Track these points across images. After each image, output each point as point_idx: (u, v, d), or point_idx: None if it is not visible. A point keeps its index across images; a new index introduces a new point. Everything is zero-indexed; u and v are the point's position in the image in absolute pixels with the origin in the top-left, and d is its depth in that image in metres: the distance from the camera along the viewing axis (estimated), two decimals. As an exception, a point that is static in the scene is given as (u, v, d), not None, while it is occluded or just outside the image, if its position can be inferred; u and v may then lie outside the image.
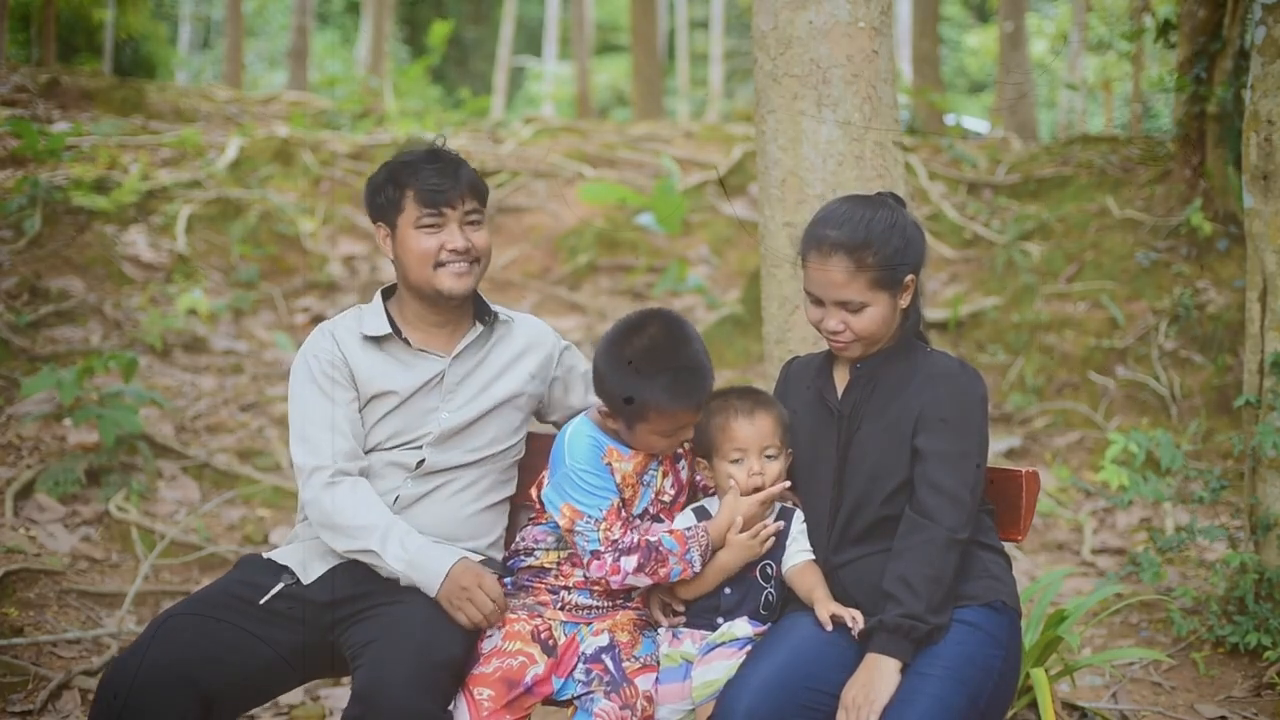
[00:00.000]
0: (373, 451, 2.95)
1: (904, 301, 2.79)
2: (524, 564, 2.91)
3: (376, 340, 2.97)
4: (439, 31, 14.03)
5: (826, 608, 2.70)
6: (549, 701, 2.82)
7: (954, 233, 8.87)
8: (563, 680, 2.79)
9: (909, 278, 2.77)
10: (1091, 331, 7.35)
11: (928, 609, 2.60)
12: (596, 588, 2.82)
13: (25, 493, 5.28)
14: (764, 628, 2.79)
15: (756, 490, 2.79)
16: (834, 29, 3.65)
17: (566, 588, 2.86)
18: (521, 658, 2.75)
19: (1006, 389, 7.20)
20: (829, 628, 2.68)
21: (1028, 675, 3.56)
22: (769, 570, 2.82)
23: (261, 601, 2.83)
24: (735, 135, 11.52)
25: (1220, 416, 6.53)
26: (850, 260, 2.70)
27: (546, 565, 2.88)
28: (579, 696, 2.76)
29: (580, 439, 2.80)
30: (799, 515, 2.86)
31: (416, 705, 2.59)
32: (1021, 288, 7.86)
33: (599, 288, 9.19)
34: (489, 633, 2.82)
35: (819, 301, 2.77)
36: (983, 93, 26.67)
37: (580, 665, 2.79)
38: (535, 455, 3.10)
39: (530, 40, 29.03)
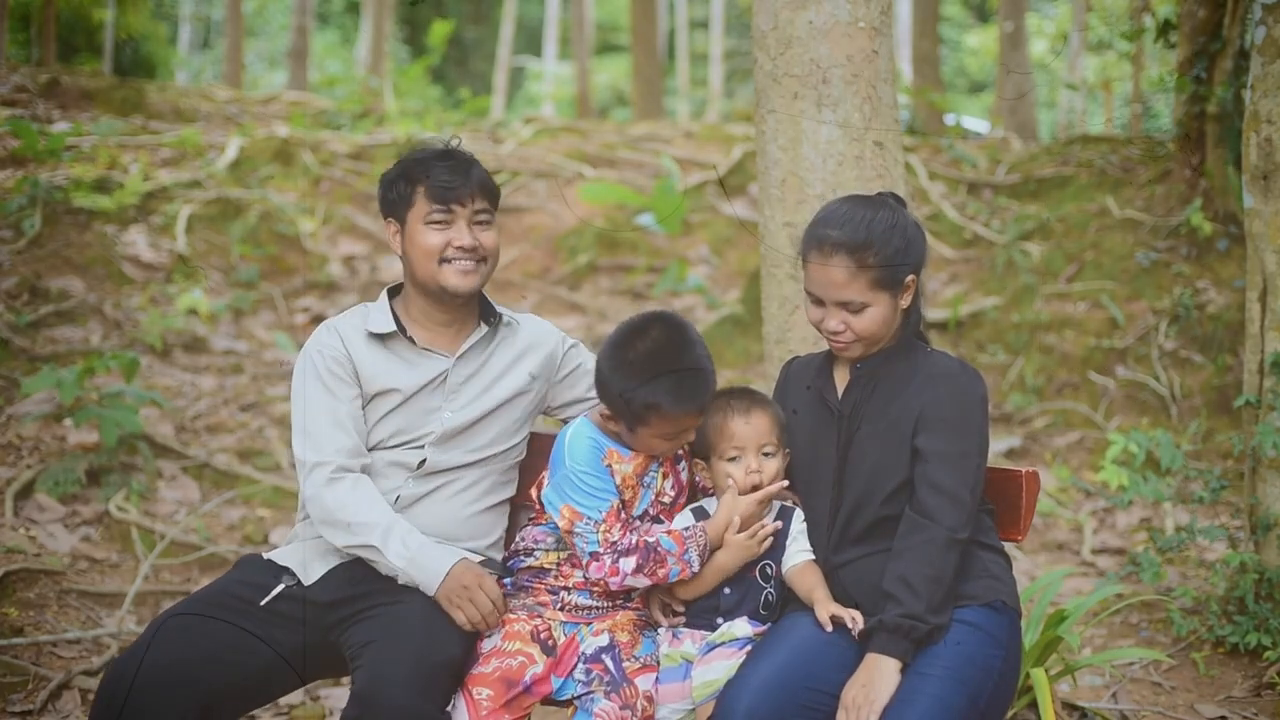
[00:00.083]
0: (374, 450, 2.95)
1: (905, 302, 2.79)
2: (524, 564, 2.91)
3: (381, 338, 2.98)
4: (439, 31, 14.04)
5: (826, 608, 2.70)
6: (549, 701, 2.82)
7: (954, 233, 8.87)
8: (562, 680, 2.79)
9: (910, 278, 2.77)
10: (1091, 331, 7.35)
11: (928, 609, 2.60)
12: (596, 588, 2.82)
13: (25, 493, 5.28)
14: (764, 628, 2.79)
15: (754, 489, 2.79)
16: (834, 29, 3.65)
17: (566, 588, 2.86)
18: (521, 658, 2.75)
19: (1006, 389, 7.20)
20: (829, 628, 2.68)
21: (1028, 675, 3.56)
22: (768, 570, 2.82)
23: (262, 603, 2.83)
24: (735, 135, 11.53)
25: (1220, 416, 6.53)
26: (851, 260, 2.70)
27: (546, 566, 2.88)
28: (579, 696, 2.76)
29: (580, 440, 2.80)
30: (798, 514, 2.86)
31: (415, 706, 2.59)
32: (1021, 288, 7.86)
33: (599, 288, 9.19)
34: (488, 633, 2.82)
35: (820, 302, 2.77)
36: (983, 93, 26.67)
37: (580, 665, 2.79)
38: (535, 455, 3.10)
39: (530, 40, 29.03)
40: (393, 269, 9.06)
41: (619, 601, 2.88)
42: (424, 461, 2.94)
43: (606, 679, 2.74)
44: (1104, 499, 5.13)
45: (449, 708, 2.69)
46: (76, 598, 4.67)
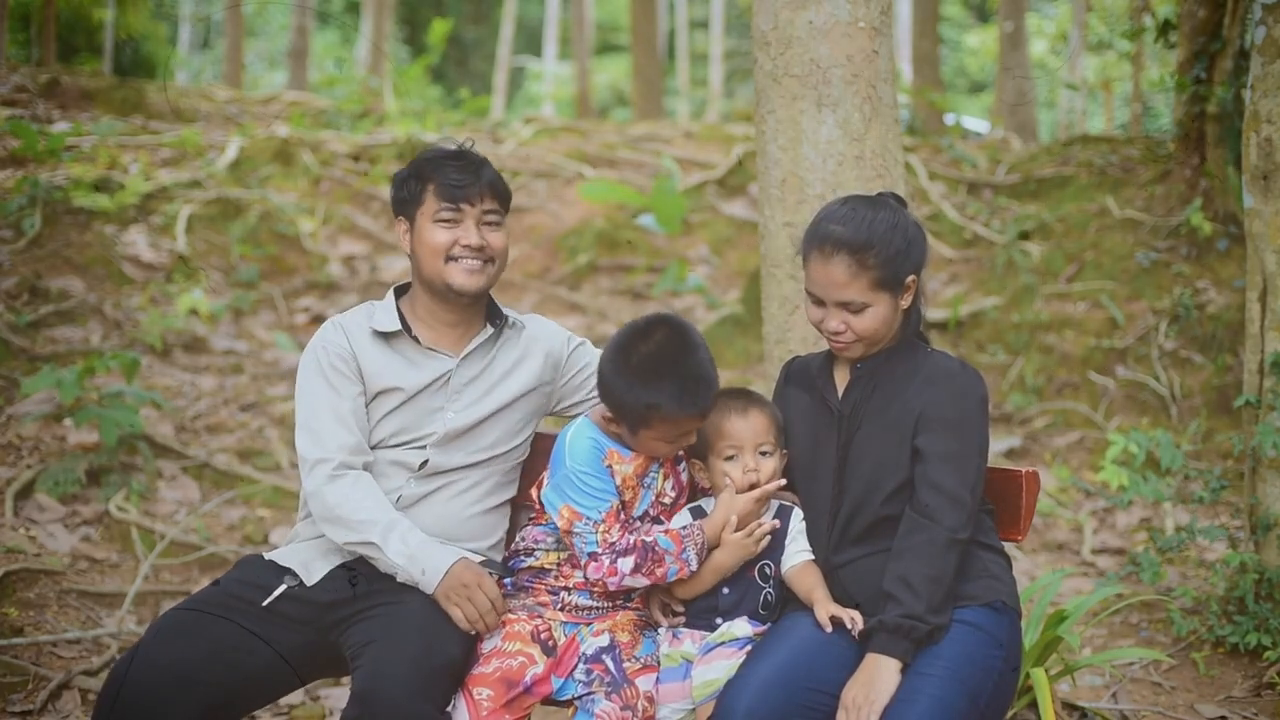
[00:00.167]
0: (376, 448, 2.95)
1: (905, 302, 2.79)
2: (524, 564, 2.91)
3: (386, 336, 2.98)
4: (438, 30, 14.03)
5: (826, 609, 2.71)
6: (549, 701, 2.82)
7: (954, 233, 8.87)
8: (563, 680, 2.79)
9: (910, 278, 2.77)
10: (1091, 331, 7.35)
11: (928, 609, 2.60)
12: (596, 589, 2.82)
13: (25, 493, 5.28)
14: (764, 627, 2.79)
15: (752, 488, 2.79)
16: (834, 29, 3.65)
17: (566, 588, 2.86)
18: (521, 658, 2.75)
19: (1006, 389, 7.20)
20: (828, 629, 2.68)
21: (1028, 675, 3.56)
22: (767, 570, 2.82)
23: (265, 604, 2.83)
24: (735, 135, 11.53)
25: (1220, 416, 6.53)
26: (852, 261, 2.70)
27: (546, 566, 2.88)
28: (579, 697, 2.76)
29: (581, 440, 2.80)
30: (797, 514, 2.86)
31: (415, 706, 2.59)
32: (1021, 288, 7.86)
33: (599, 288, 9.19)
34: (488, 635, 2.82)
35: (820, 302, 2.77)
36: (983, 93, 26.67)
37: (581, 665, 2.79)
38: (536, 455, 3.10)
39: (530, 40, 29.03)
40: (393, 269, 9.06)
41: (619, 602, 2.88)
42: (426, 462, 2.94)
43: (607, 679, 2.74)
44: (1104, 499, 5.13)
45: (449, 708, 2.69)
46: (76, 598, 4.67)
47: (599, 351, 3.02)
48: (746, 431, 2.79)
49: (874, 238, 2.71)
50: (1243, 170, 4.29)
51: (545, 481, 2.86)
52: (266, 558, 2.96)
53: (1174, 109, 8.40)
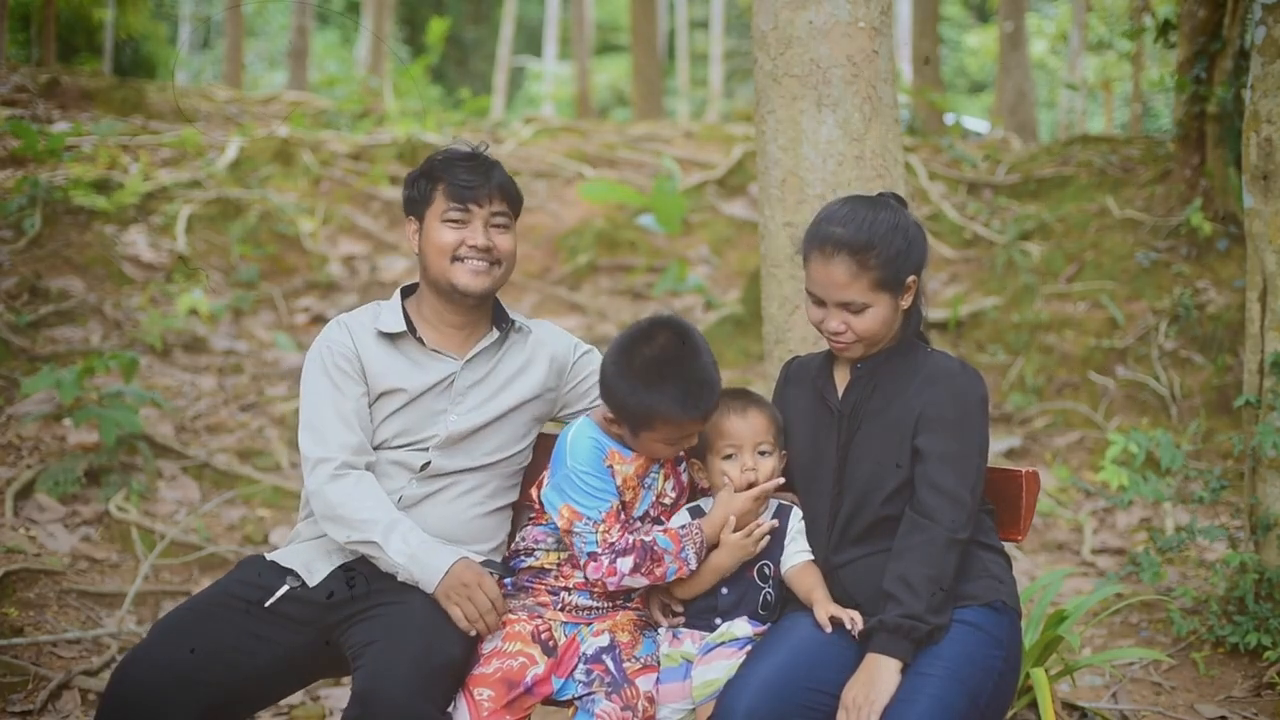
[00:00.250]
0: (379, 449, 2.95)
1: (905, 302, 2.79)
2: (524, 564, 2.91)
3: (391, 337, 2.98)
4: (436, 29, 14.02)
5: (825, 609, 2.71)
6: (549, 702, 2.82)
7: (954, 233, 8.87)
8: (563, 681, 2.79)
9: (911, 278, 2.77)
10: (1091, 331, 7.35)
11: (928, 609, 2.60)
12: (596, 589, 2.82)
13: (25, 493, 5.28)
14: (764, 628, 2.79)
15: (750, 487, 2.79)
16: (834, 29, 3.65)
17: (567, 588, 2.86)
18: (522, 658, 2.75)
19: (1006, 389, 7.20)
20: (828, 629, 2.68)
21: (1028, 675, 3.56)
22: (767, 570, 2.82)
23: (267, 605, 2.83)
24: (735, 135, 11.53)
25: (1220, 416, 6.53)
26: (853, 261, 2.70)
27: (547, 566, 2.88)
28: (580, 697, 2.76)
29: (582, 440, 2.80)
30: (796, 513, 2.86)
31: (415, 707, 2.59)
32: (1021, 288, 7.86)
33: (599, 288, 9.19)
34: (488, 636, 2.82)
35: (820, 302, 2.77)
36: (983, 93, 26.68)
37: (581, 666, 2.79)
38: (536, 456, 3.10)
39: (530, 40, 29.04)
40: (393, 269, 9.06)
41: (619, 602, 2.88)
42: (428, 464, 2.94)
43: (607, 679, 2.74)
44: (1104, 499, 5.13)
45: (450, 709, 2.69)
46: (76, 598, 4.67)
47: None
48: (745, 431, 2.79)
49: (875, 238, 2.71)
50: (1243, 170, 4.29)
51: (545, 481, 2.86)
52: (268, 558, 2.96)
53: (1174, 109, 8.41)
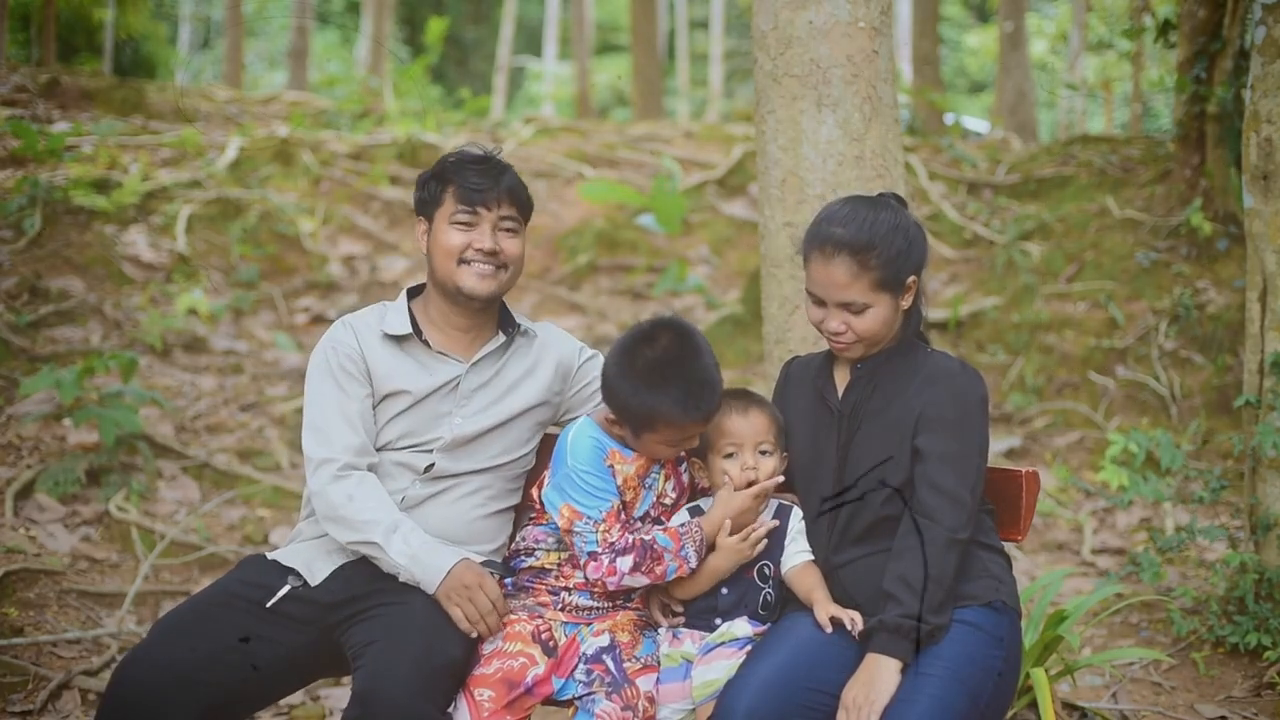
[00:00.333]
0: (383, 450, 2.95)
1: (906, 302, 2.79)
2: (524, 564, 2.91)
3: (396, 339, 2.98)
4: (435, 29, 14.02)
5: (825, 609, 2.71)
6: (549, 702, 2.82)
7: (954, 233, 8.87)
8: (563, 681, 2.79)
9: (911, 279, 2.77)
10: (1091, 331, 7.35)
11: (928, 609, 2.60)
12: (596, 589, 2.82)
13: (25, 493, 5.28)
14: (764, 628, 2.79)
15: (750, 485, 2.78)
16: (834, 29, 3.65)
17: (567, 589, 2.86)
18: (522, 659, 2.75)
19: (1006, 389, 7.20)
20: (828, 629, 2.68)
21: (1028, 675, 3.56)
22: (767, 570, 2.82)
23: (269, 604, 2.83)
24: (735, 135, 11.53)
25: (1220, 416, 6.53)
26: (854, 261, 2.70)
27: (547, 566, 2.88)
28: (580, 697, 2.76)
29: (583, 440, 2.80)
30: (796, 513, 2.86)
31: (416, 708, 2.59)
32: (1021, 288, 7.86)
33: (599, 288, 9.19)
34: (489, 638, 2.82)
35: (821, 302, 2.77)
36: (983, 93, 26.68)
37: (581, 666, 2.79)
38: (538, 457, 3.10)
39: (530, 40, 29.03)
40: (393, 269, 9.06)
41: (619, 602, 2.88)
42: (432, 465, 2.94)
43: (608, 679, 2.74)
44: (1104, 499, 5.13)
45: (450, 709, 2.69)
46: (76, 598, 4.67)
47: None
48: (747, 430, 2.79)
49: (875, 239, 2.71)
50: (1243, 170, 4.29)
51: (546, 480, 2.86)
52: (269, 558, 2.96)
53: (1174, 109, 8.41)
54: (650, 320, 2.79)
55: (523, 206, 3.00)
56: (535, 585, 2.89)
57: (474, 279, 2.94)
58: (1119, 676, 4.32)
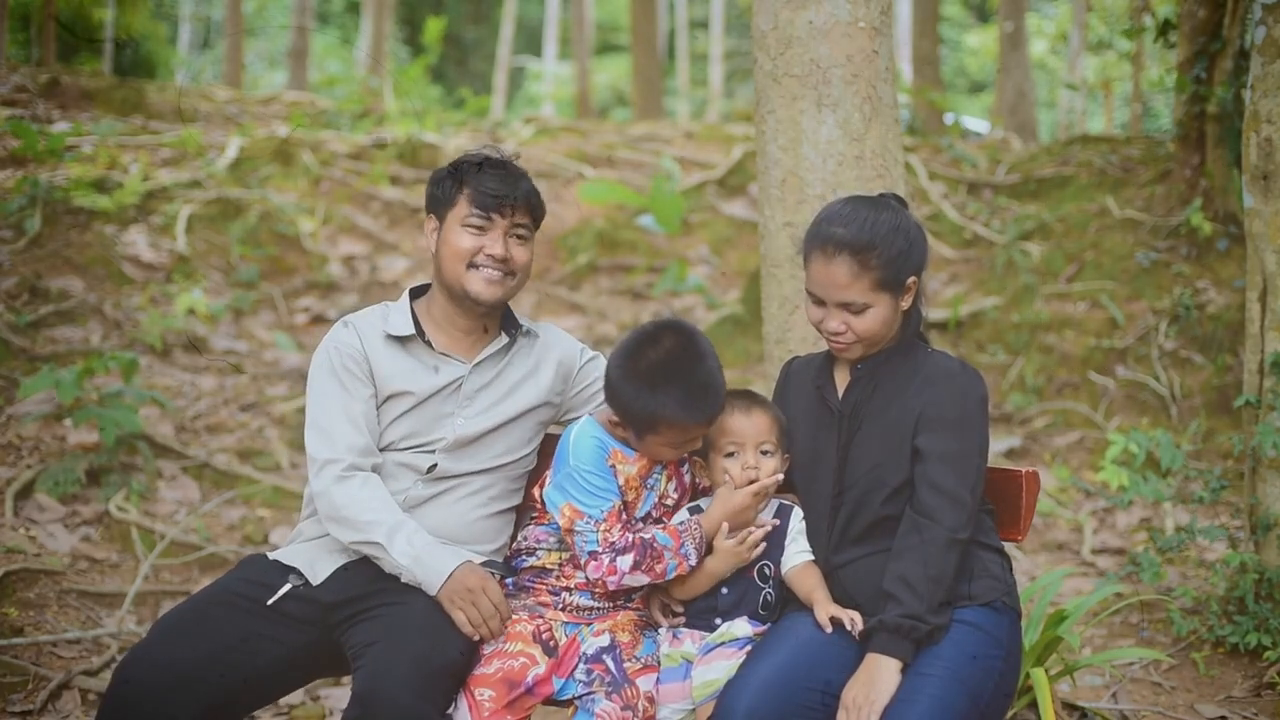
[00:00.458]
0: (385, 451, 2.95)
1: (905, 303, 2.79)
2: (525, 564, 2.91)
3: (399, 340, 2.98)
4: (433, 29, 14.03)
5: (825, 609, 2.71)
6: (549, 701, 2.82)
7: (954, 233, 8.87)
8: (563, 681, 2.79)
9: (911, 279, 2.77)
10: (1091, 331, 7.35)
11: (928, 609, 2.60)
12: (597, 588, 2.82)
13: (25, 493, 5.28)
14: (764, 628, 2.79)
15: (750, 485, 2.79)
16: (834, 29, 3.65)
17: (568, 588, 2.86)
18: (523, 658, 2.75)
19: (1006, 389, 7.20)
20: (828, 630, 2.68)
21: (1028, 675, 3.56)
22: (767, 570, 2.82)
23: (269, 603, 2.83)
24: (735, 135, 11.53)
25: (1220, 416, 6.53)
26: (854, 261, 2.70)
27: (548, 566, 2.88)
28: (580, 697, 2.76)
29: (585, 440, 2.80)
30: (797, 513, 2.85)
31: (415, 707, 2.59)
32: (1021, 288, 7.86)
33: (599, 288, 9.19)
34: (491, 642, 2.82)
35: (820, 302, 2.77)
36: (983, 93, 26.68)
37: (581, 665, 2.79)
38: (542, 456, 3.11)
39: (530, 40, 29.03)
40: (393, 269, 9.06)
41: (620, 602, 2.88)
42: (434, 466, 2.94)
43: (608, 679, 2.74)
44: (1104, 499, 5.13)
45: (450, 710, 2.69)
46: (76, 598, 4.67)
47: None
48: (749, 429, 2.79)
49: (876, 239, 2.71)
50: (1243, 170, 4.29)
51: (547, 479, 2.87)
52: (270, 557, 2.96)
53: (1174, 109, 8.41)
54: (653, 322, 2.80)
55: (535, 215, 3.00)
56: (536, 585, 2.89)
57: (482, 284, 2.94)
58: (1119, 676, 4.32)
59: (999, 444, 6.60)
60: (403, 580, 2.81)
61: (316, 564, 2.90)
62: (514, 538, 3.06)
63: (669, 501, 2.87)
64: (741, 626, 2.77)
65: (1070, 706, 4.03)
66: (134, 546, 5.16)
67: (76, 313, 7.09)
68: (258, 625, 2.79)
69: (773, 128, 3.75)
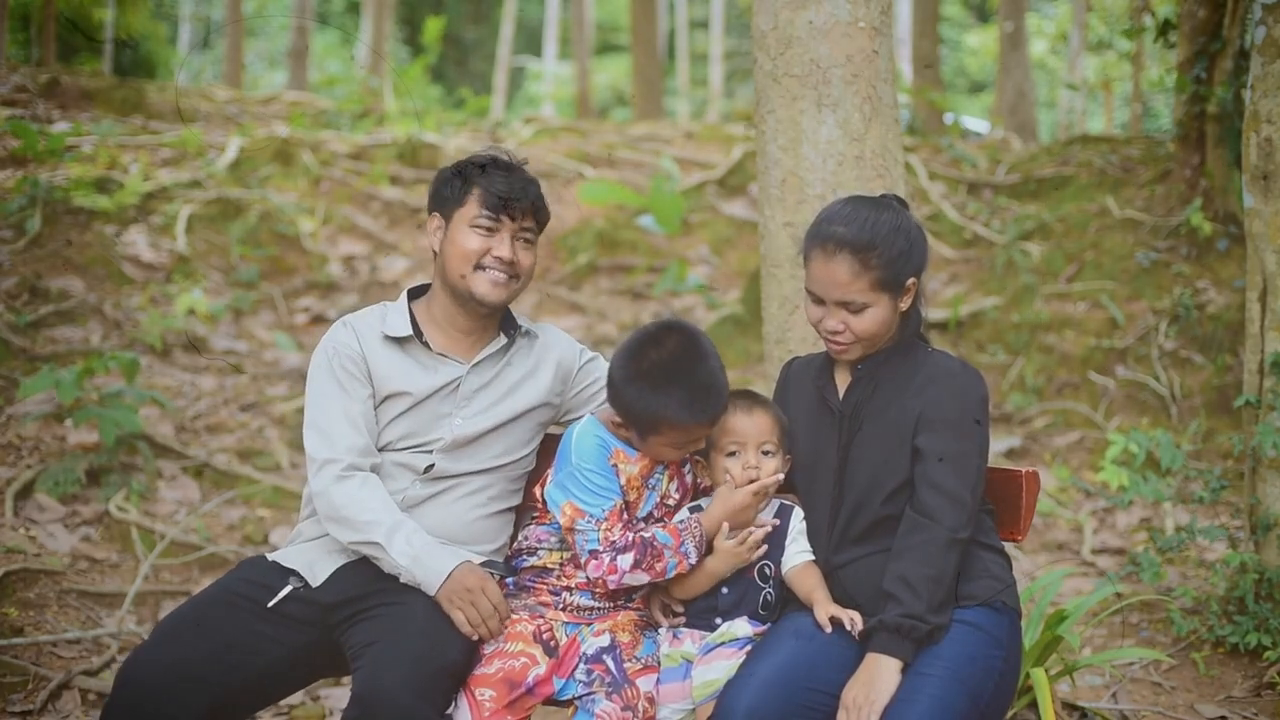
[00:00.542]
0: (383, 451, 2.95)
1: (904, 305, 2.79)
2: (526, 564, 2.91)
3: (397, 340, 2.98)
4: (432, 29, 14.03)
5: (825, 609, 2.71)
6: (550, 702, 2.82)
7: (954, 233, 8.87)
8: (564, 681, 2.79)
9: (910, 281, 2.77)
10: (1091, 331, 7.35)
11: (928, 609, 2.60)
12: (598, 588, 2.82)
13: (25, 493, 5.28)
14: (764, 627, 2.79)
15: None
16: (834, 29, 3.65)
17: (569, 588, 2.86)
18: (523, 659, 2.75)
19: (1006, 389, 7.20)
20: (828, 630, 2.68)
21: (1028, 675, 3.56)
22: (767, 570, 2.82)
23: (270, 604, 2.83)
24: (735, 135, 11.53)
25: (1220, 416, 6.53)
26: (855, 260, 2.70)
27: (549, 565, 2.88)
28: (580, 697, 2.76)
29: (587, 439, 2.80)
30: (798, 513, 2.85)
31: (414, 707, 2.59)
32: (1021, 288, 7.86)
33: (599, 288, 9.19)
34: (490, 642, 2.82)
35: (820, 300, 2.77)
36: (983, 93, 26.68)
37: (581, 666, 2.79)
38: (540, 456, 3.11)
39: (530, 40, 29.04)
40: (393, 268, 9.06)
41: (620, 602, 2.88)
42: (432, 466, 2.94)
43: (608, 680, 2.74)
44: (1104, 499, 5.13)
45: (449, 710, 2.69)
46: (76, 598, 4.67)
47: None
48: (751, 428, 2.79)
49: (877, 238, 2.71)
50: (1243, 170, 4.29)
51: (549, 478, 2.86)
52: (270, 558, 2.96)
53: (1174, 109, 8.41)
54: (656, 323, 2.80)
55: (541, 219, 3.01)
56: (537, 585, 2.89)
57: (487, 286, 2.94)
58: (1119, 676, 4.32)
59: (999, 444, 6.60)
60: (402, 580, 2.81)
61: (316, 566, 2.90)
62: (514, 537, 3.06)
63: (670, 501, 2.87)
64: (741, 626, 2.77)
65: (1070, 706, 4.03)
66: (134, 546, 5.16)
67: (76, 313, 7.09)
68: (259, 626, 2.80)
69: (773, 128, 3.75)
